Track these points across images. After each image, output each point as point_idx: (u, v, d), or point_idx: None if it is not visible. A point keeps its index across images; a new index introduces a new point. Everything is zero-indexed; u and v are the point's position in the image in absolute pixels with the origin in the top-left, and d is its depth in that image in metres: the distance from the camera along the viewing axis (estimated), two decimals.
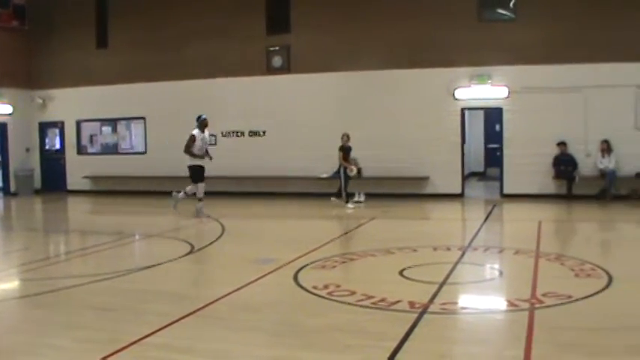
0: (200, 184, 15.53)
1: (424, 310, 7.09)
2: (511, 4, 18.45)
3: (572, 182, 17.69)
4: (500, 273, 9.64)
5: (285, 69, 20.20)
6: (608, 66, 17.40)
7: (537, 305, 7.27)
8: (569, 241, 13.04)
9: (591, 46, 17.34)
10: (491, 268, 9.87)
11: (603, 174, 17.51)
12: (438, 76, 18.62)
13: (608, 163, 17.49)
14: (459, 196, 18.80)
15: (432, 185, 18.86)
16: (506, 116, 18.44)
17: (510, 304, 7.56)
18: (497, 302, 7.88)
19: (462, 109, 18.97)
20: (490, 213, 16.29)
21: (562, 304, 7.31)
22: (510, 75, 18.11)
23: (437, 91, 18.71)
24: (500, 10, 18.70)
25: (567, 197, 17.63)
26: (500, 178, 18.88)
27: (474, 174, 25.03)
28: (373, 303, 7.41)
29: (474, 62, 18.25)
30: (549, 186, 18.12)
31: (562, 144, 17.81)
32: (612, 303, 7.51)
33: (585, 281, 8.43)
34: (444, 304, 7.35)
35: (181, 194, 15.88)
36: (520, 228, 14.04)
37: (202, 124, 15.63)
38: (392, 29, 18.88)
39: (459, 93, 18.58)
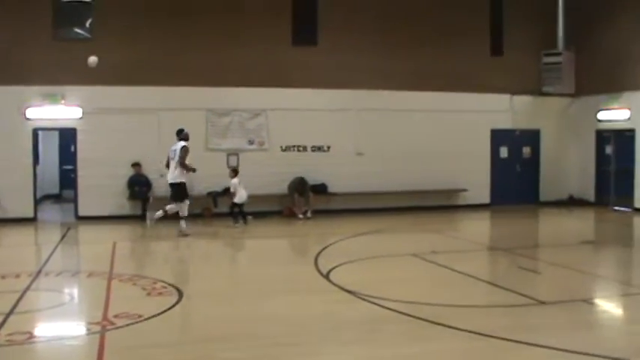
0: (186, 201, 15.19)
1: None
2: (87, 24, 18.24)
3: (146, 202, 18.00)
4: (73, 297, 9.43)
5: None
6: (182, 89, 18.18)
7: (109, 327, 7.24)
8: (144, 260, 13.25)
9: (166, 70, 17.97)
10: (63, 293, 9.54)
11: None
12: (8, 95, 17.57)
13: None
14: (32, 221, 17.93)
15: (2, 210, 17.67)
16: (80, 137, 18.11)
17: (82, 328, 7.43)
18: (68, 328, 7.67)
19: (35, 130, 18.18)
20: (64, 236, 15.83)
21: (133, 323, 7.38)
22: (85, 95, 17.86)
23: (7, 110, 17.62)
24: (76, 29, 18.37)
25: (142, 217, 17.87)
26: (75, 200, 18.49)
27: (48, 196, 24.14)
28: None
29: (47, 81, 17.62)
30: (125, 207, 18.23)
31: (137, 165, 18.07)
32: (181, 318, 7.80)
33: (157, 299, 8.63)
34: (10, 334, 6.93)
35: (159, 212, 15.21)
36: (95, 250, 13.84)
37: (187, 136, 15.30)
38: None
39: (31, 112, 17.77)
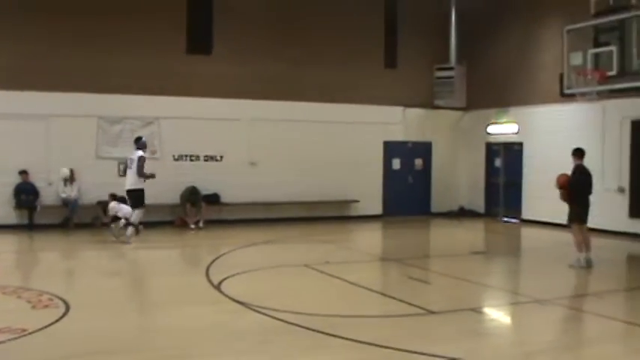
0: (142, 209, 15.26)
1: None
2: None
3: (33, 212, 17.38)
4: None
5: None
6: (71, 95, 17.62)
7: None
8: (30, 272, 12.76)
9: (55, 74, 17.34)
10: None
11: (66, 202, 17.60)
12: None
13: (70, 192, 17.64)
14: None
15: None
16: None
17: None
18: None
19: None
20: None
21: (16, 338, 7.09)
22: None
23: None
24: None
25: (29, 227, 17.26)
26: None
27: None
28: None
29: None
30: (11, 216, 17.49)
31: (24, 172, 17.41)
32: (68, 332, 7.55)
33: (42, 312, 8.34)
34: None
35: (130, 229, 15.22)
36: None
37: (145, 145, 15.62)
38: None
39: None
